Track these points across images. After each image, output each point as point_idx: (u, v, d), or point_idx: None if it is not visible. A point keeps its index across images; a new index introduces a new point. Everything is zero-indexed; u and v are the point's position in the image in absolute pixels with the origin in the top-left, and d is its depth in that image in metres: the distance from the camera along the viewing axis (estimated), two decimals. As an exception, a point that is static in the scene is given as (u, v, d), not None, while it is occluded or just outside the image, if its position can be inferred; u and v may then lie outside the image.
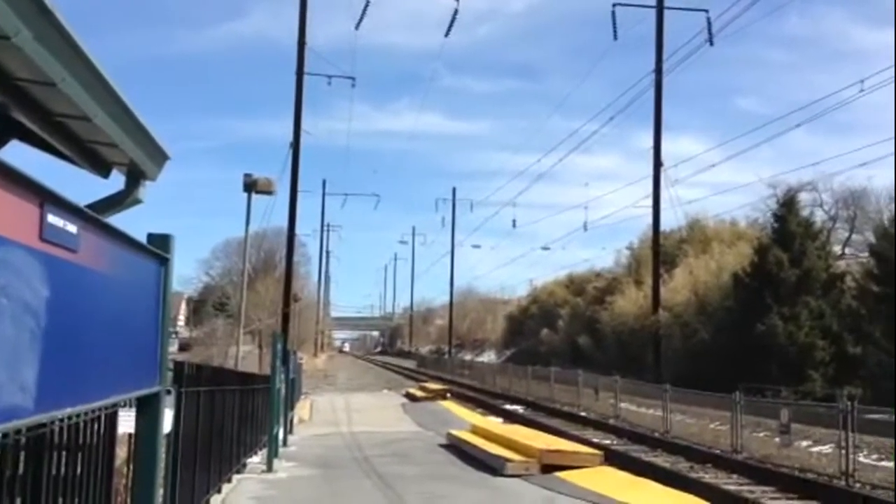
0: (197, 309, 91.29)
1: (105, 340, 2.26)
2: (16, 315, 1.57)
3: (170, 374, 6.39)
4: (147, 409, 2.97)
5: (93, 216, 2.09)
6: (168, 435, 6.18)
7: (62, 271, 1.83)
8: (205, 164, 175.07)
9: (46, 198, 1.72)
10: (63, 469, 3.04)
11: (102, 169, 5.76)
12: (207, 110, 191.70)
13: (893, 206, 32.14)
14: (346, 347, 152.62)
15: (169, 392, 5.90)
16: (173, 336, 78.72)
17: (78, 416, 2.91)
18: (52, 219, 1.74)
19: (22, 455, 2.51)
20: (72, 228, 1.87)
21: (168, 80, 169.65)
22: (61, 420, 2.81)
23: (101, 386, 2.31)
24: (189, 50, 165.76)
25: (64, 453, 3.04)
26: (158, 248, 2.88)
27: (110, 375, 2.38)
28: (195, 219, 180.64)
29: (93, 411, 3.07)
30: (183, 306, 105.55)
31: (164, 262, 2.92)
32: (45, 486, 2.71)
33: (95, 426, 3.21)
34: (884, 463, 14.65)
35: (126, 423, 3.41)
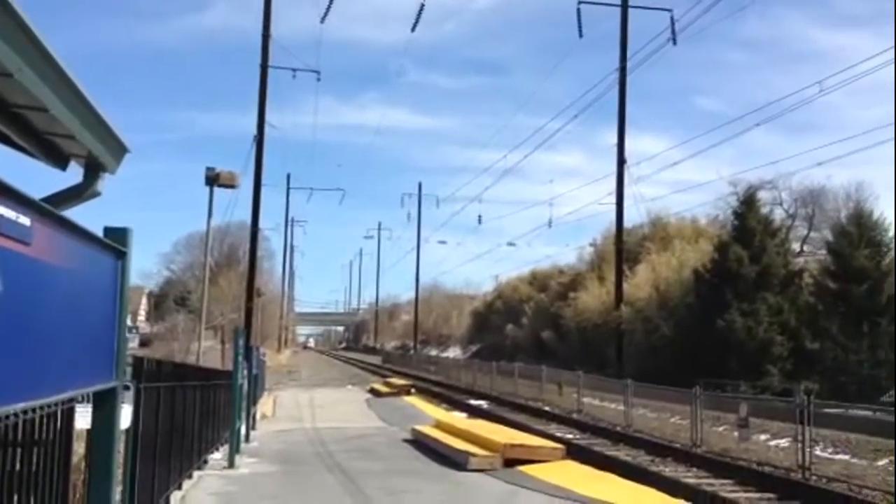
0: (158, 304, 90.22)
1: (59, 335, 2.23)
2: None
3: (128, 370, 6.32)
4: (103, 405, 2.93)
5: (47, 209, 2.06)
6: (127, 431, 6.12)
7: (14, 264, 1.80)
8: (168, 157, 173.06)
9: (-2, 189, 1.69)
10: (18, 466, 3.00)
11: (60, 161, 5.66)
12: (171, 103, 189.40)
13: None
14: (311, 343, 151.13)
15: (127, 388, 5.83)
16: (134, 331, 77.88)
17: (33, 410, 2.87)
18: (2, 210, 1.70)
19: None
20: (25, 221, 1.83)
21: (132, 73, 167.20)
22: (14, 415, 2.77)
23: (55, 381, 2.27)
24: (154, 42, 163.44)
25: (19, 449, 3.00)
26: (115, 241, 2.83)
27: (64, 370, 2.35)
28: (157, 212, 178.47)
29: (49, 406, 3.03)
30: (144, 301, 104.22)
31: (121, 255, 2.88)
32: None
33: (51, 421, 3.17)
34: (839, 456, 14.98)
35: (83, 418, 3.37)
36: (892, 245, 29.38)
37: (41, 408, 2.69)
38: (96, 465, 2.98)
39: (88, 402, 3.02)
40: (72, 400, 3.26)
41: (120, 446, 3.38)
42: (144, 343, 64.68)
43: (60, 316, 2.22)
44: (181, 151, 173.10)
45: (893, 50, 19.59)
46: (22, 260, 1.86)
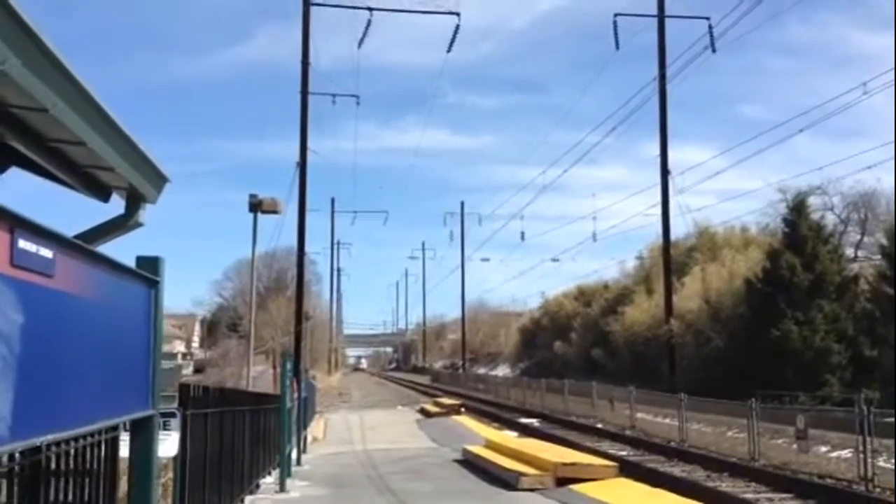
0: (211, 330, 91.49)
1: (88, 366, 2.23)
2: (-16, 342, 1.54)
3: (174, 397, 6.37)
4: (140, 434, 2.94)
5: (70, 240, 2.07)
6: (174, 458, 6.16)
7: (37, 297, 1.81)
8: (216, 187, 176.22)
9: (17, 223, 1.69)
10: (62, 496, 3.01)
11: (101, 193, 5.76)
12: (216, 134, 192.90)
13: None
14: (364, 364, 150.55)
15: (174, 415, 5.87)
16: (188, 357, 78.94)
17: (76, 440, 2.89)
18: (23, 244, 1.71)
19: (13, 483, 2.48)
20: (46, 253, 1.84)
21: (177, 106, 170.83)
22: (56, 446, 2.79)
23: (86, 412, 2.28)
24: (195, 75, 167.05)
25: (63, 479, 3.02)
26: (147, 270, 2.85)
27: (95, 401, 2.35)
28: (208, 240, 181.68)
29: (92, 436, 3.04)
30: (197, 327, 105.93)
31: (153, 284, 2.89)
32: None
33: (95, 451, 3.19)
34: (904, 467, 14.46)
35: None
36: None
37: (83, 437, 2.70)
38: (135, 492, 2.99)
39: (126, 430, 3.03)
40: (115, 429, 3.28)
41: (155, 473, 3.39)
42: (199, 369, 65.64)
43: (89, 347, 2.23)
44: (230, 180, 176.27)
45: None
46: (44, 292, 1.87)
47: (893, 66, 19.67)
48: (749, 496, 12.28)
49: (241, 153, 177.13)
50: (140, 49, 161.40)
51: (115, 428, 3.31)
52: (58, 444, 2.78)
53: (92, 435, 2.97)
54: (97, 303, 2.30)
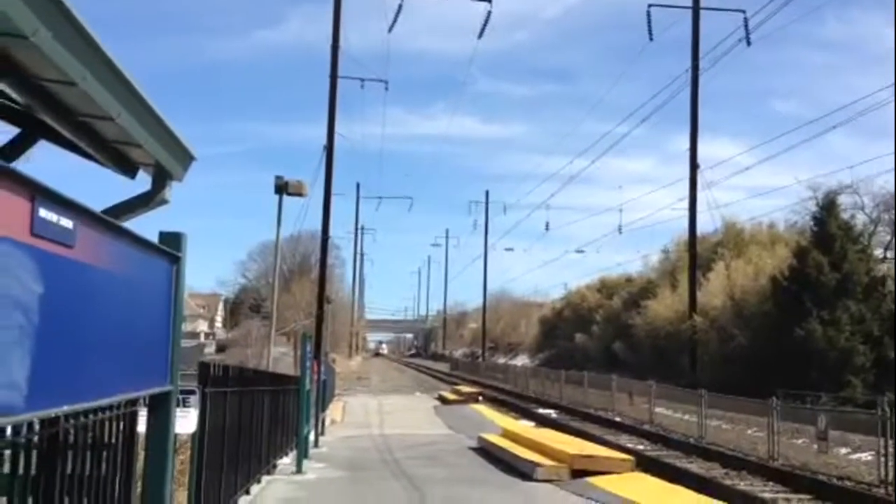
0: (234, 310, 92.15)
1: (107, 338, 2.23)
2: (3, 311, 1.53)
3: (195, 375, 6.41)
4: (158, 409, 2.94)
5: (91, 212, 2.06)
6: (193, 435, 6.21)
7: (57, 267, 1.80)
8: (244, 169, 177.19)
9: (38, 192, 1.68)
10: (80, 468, 3.03)
11: (129, 169, 5.77)
12: (246, 116, 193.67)
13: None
14: (384, 349, 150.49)
15: (193, 392, 5.91)
16: (211, 337, 79.61)
17: (94, 413, 2.90)
18: (44, 213, 1.70)
19: (31, 454, 2.49)
20: (67, 223, 1.83)
21: (208, 88, 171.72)
22: (74, 419, 2.80)
23: (103, 385, 2.28)
24: (227, 57, 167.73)
25: (81, 452, 3.03)
26: (170, 246, 2.84)
27: (113, 374, 2.35)
28: (234, 221, 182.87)
29: (111, 409, 3.05)
30: (220, 307, 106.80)
31: (175, 260, 2.89)
32: (58, 486, 2.70)
33: (113, 425, 3.20)
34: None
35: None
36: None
37: (96, 412, 2.71)
38: (151, 468, 3.00)
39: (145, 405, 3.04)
40: (134, 403, 3.29)
41: (171, 450, 3.39)
42: (221, 349, 66.23)
43: (107, 319, 2.22)
44: (258, 162, 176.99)
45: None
46: (64, 263, 1.86)
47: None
48: (767, 495, 12.18)
49: (270, 136, 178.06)
50: (174, 31, 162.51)
51: (133, 402, 3.33)
52: (76, 416, 2.80)
53: (111, 408, 2.98)
54: (118, 276, 2.29)
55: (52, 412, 1.97)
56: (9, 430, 2.06)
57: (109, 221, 2.25)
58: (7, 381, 1.61)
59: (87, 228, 2.00)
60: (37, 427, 2.69)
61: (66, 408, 2.02)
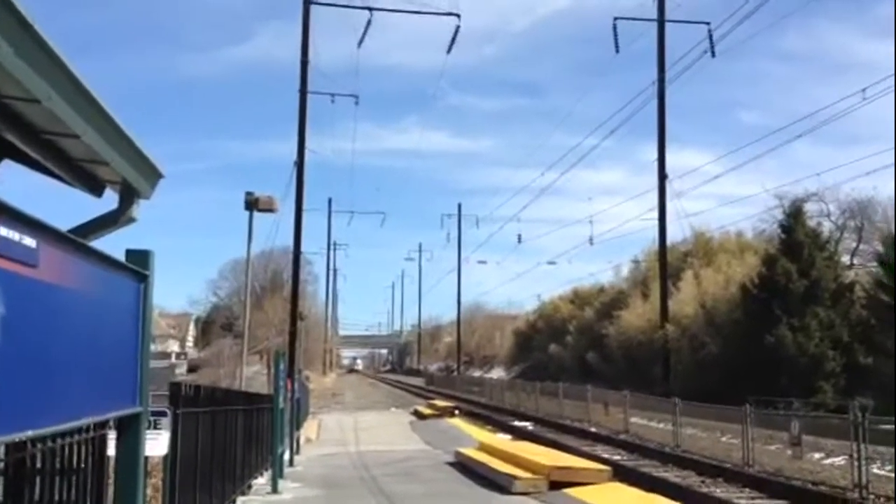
0: (206, 329, 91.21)
1: (72, 359, 2.17)
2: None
3: (166, 396, 6.31)
4: (127, 431, 2.88)
5: (56, 230, 2.01)
6: (165, 457, 6.10)
7: (19, 287, 1.75)
8: (213, 186, 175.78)
9: (-2, 210, 1.64)
10: (48, 494, 2.95)
11: (95, 188, 5.69)
12: (215, 132, 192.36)
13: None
14: (359, 365, 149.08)
15: (164, 414, 5.81)
16: (182, 357, 78.70)
17: (62, 437, 2.83)
18: (4, 231, 1.66)
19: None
20: (30, 242, 1.79)
21: (175, 103, 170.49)
22: (42, 443, 2.73)
23: (69, 408, 2.22)
24: (196, 73, 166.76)
25: (49, 477, 2.95)
26: (137, 264, 2.79)
27: (79, 396, 2.29)
28: (204, 239, 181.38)
29: (79, 433, 2.98)
30: (191, 327, 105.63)
31: (142, 278, 2.84)
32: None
33: (82, 449, 3.12)
34: (898, 474, 14.42)
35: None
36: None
37: (63, 436, 2.64)
38: (121, 492, 2.93)
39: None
40: (103, 426, 3.22)
41: (141, 473, 3.32)
42: (193, 369, 65.43)
43: (73, 339, 2.17)
44: (228, 179, 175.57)
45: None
46: (27, 282, 1.81)
47: (894, 69, 19.78)
48: (743, 502, 12.24)
49: (242, 152, 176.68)
50: (142, 46, 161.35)
51: (102, 426, 3.25)
52: (43, 441, 2.72)
53: (78, 432, 2.91)
54: (83, 295, 2.24)
55: (15, 437, 1.91)
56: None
57: (74, 240, 2.20)
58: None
59: (50, 247, 1.95)
60: (2, 452, 2.62)
61: (30, 433, 1.96)
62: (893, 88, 20.44)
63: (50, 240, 1.94)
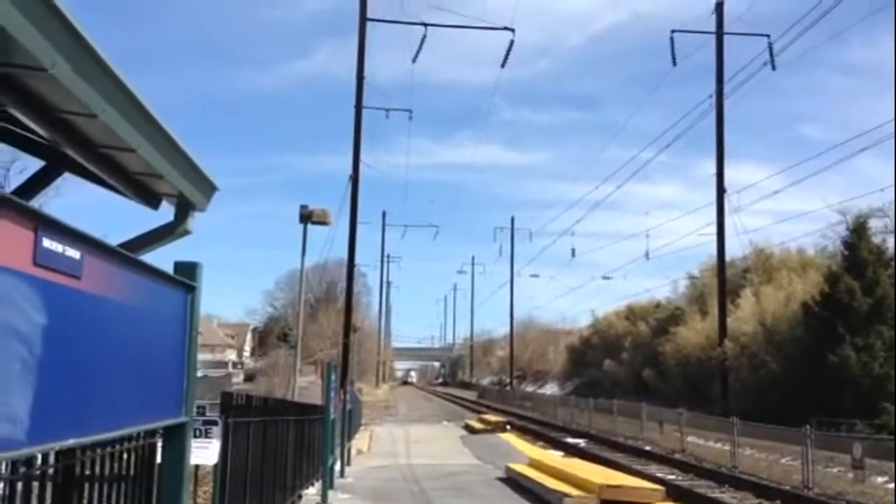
0: (262, 340, 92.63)
1: (116, 369, 2.21)
2: (2, 342, 1.51)
3: (214, 405, 6.39)
4: (172, 441, 2.91)
5: (100, 242, 2.05)
6: (215, 466, 6.17)
7: (62, 298, 1.78)
8: (272, 199, 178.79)
9: (41, 222, 1.67)
10: (97, 501, 3.00)
11: (152, 200, 5.82)
12: (274, 147, 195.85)
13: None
14: (413, 378, 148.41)
15: (216, 423, 5.88)
16: (239, 367, 79.95)
17: (110, 444, 2.87)
18: (47, 243, 1.69)
19: (45, 488, 2.47)
20: (73, 254, 1.82)
21: (236, 119, 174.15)
22: (92, 451, 2.77)
23: (113, 417, 2.25)
24: (255, 89, 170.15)
25: (98, 485, 3.00)
26: (185, 276, 2.82)
27: (124, 405, 2.32)
28: (261, 251, 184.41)
29: (129, 441, 3.02)
30: (249, 337, 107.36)
31: (190, 290, 2.87)
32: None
33: (130, 458, 3.17)
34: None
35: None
36: None
37: (112, 444, 2.68)
38: (165, 499, 2.96)
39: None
40: (152, 435, 3.26)
41: (188, 481, 3.34)
42: (249, 378, 66.42)
43: (117, 350, 2.20)
44: (286, 192, 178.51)
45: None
46: (71, 293, 1.84)
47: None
48: (802, 526, 11.88)
49: (298, 166, 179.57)
50: (203, 62, 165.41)
51: (152, 434, 3.30)
52: (92, 449, 2.77)
53: (127, 441, 2.95)
54: (129, 306, 2.27)
55: (56, 445, 1.94)
56: (18, 463, 2.03)
57: (120, 252, 2.23)
58: (7, 413, 1.59)
59: (95, 259, 1.99)
60: (52, 460, 2.67)
61: (71, 441, 1.99)
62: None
63: (94, 251, 1.98)
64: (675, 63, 36.08)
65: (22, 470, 2.00)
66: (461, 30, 35.46)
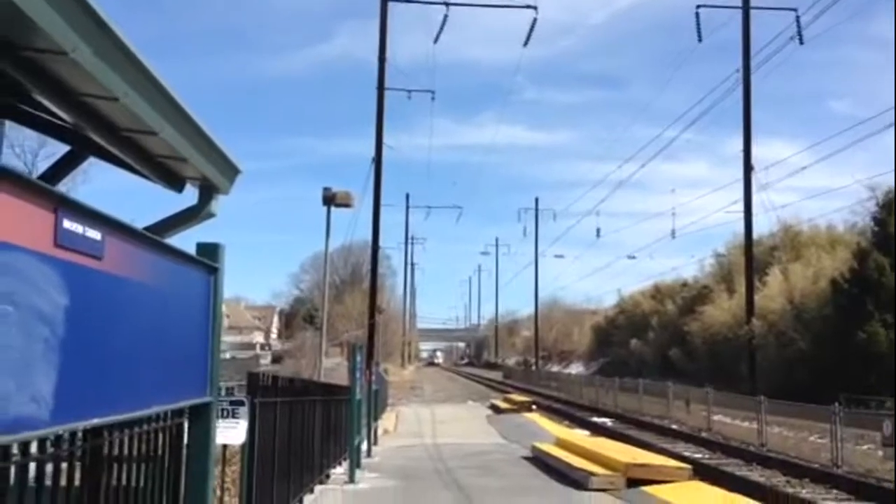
0: (289, 322, 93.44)
1: (140, 350, 2.22)
2: (25, 323, 1.53)
3: (242, 386, 6.44)
4: (198, 420, 2.94)
5: (121, 223, 2.06)
6: (243, 446, 6.23)
7: (84, 278, 1.79)
8: (297, 182, 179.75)
9: (61, 203, 1.68)
10: (125, 480, 3.04)
11: (176, 183, 5.84)
12: (298, 131, 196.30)
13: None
14: (440, 358, 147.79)
15: (242, 403, 5.94)
16: (267, 348, 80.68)
17: (138, 424, 2.90)
18: (68, 224, 1.70)
19: (73, 467, 2.50)
20: (94, 235, 1.83)
21: (260, 104, 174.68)
22: (120, 431, 2.80)
23: (137, 397, 2.27)
24: (278, 73, 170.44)
25: (126, 464, 3.04)
26: (207, 257, 2.84)
27: (147, 386, 2.34)
28: (287, 234, 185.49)
29: (156, 421, 3.06)
30: (275, 319, 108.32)
31: (213, 271, 2.88)
32: (102, 499, 2.70)
33: (158, 437, 3.20)
34: None
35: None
36: None
37: (139, 423, 2.71)
38: (192, 478, 2.99)
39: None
40: (179, 414, 3.30)
41: (213, 460, 3.38)
42: (276, 360, 67.13)
43: (140, 330, 2.22)
44: (310, 175, 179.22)
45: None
46: (92, 274, 1.85)
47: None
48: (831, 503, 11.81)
49: (321, 150, 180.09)
50: (226, 48, 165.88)
51: (179, 414, 3.33)
52: (120, 428, 2.80)
53: (154, 420, 2.98)
54: (151, 287, 2.29)
55: (80, 425, 1.96)
56: (47, 443, 2.06)
57: (141, 233, 2.25)
58: (30, 394, 1.60)
59: (116, 240, 2.00)
60: (79, 440, 2.70)
61: (95, 420, 2.02)
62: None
63: (115, 233, 1.99)
64: (700, 39, 35.63)
65: (50, 451, 2.02)
66: (483, 9, 35.22)
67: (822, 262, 35.98)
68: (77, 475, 2.67)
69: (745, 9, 34.20)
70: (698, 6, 34.95)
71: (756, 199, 34.19)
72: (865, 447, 16.37)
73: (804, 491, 13.09)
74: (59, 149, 5.75)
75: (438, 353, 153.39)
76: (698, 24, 35.13)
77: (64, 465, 2.54)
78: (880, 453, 15.04)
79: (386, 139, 32.07)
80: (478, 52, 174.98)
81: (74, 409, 1.84)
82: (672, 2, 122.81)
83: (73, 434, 2.34)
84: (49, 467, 2.40)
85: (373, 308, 33.23)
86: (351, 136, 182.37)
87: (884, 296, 28.35)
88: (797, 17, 31.99)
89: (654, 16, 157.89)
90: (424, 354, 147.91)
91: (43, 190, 1.65)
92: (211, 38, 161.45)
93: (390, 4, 32.56)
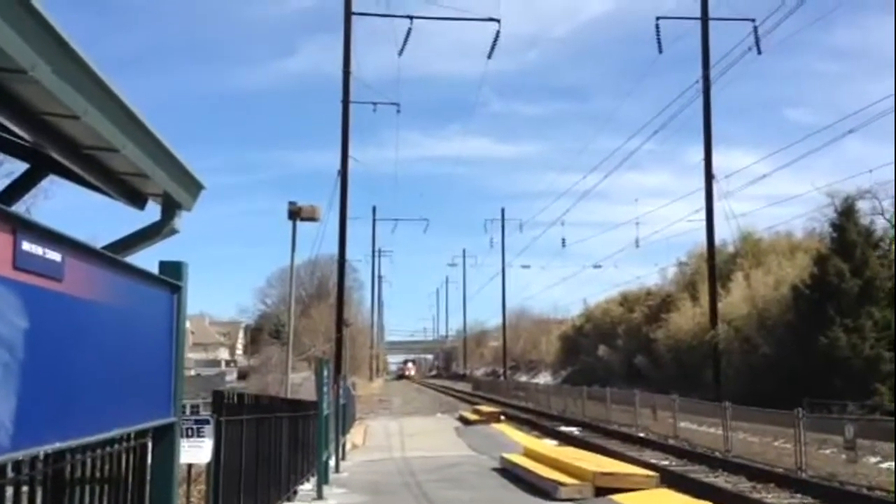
0: (255, 337, 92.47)
1: (101, 371, 2.20)
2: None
3: (201, 404, 6.38)
4: (161, 441, 2.91)
5: (81, 244, 2.04)
6: (208, 464, 6.17)
7: (44, 301, 1.78)
8: (263, 196, 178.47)
9: (20, 225, 1.66)
10: (88, 502, 2.99)
11: (137, 200, 5.78)
12: (264, 144, 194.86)
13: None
14: (411, 370, 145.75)
15: (207, 422, 5.88)
16: (232, 364, 79.74)
17: (100, 447, 2.87)
18: (27, 246, 1.68)
19: (34, 491, 2.47)
20: (54, 256, 1.81)
21: (225, 118, 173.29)
22: (82, 453, 2.77)
23: (99, 419, 2.24)
24: (244, 87, 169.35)
25: (89, 487, 2.99)
26: (170, 275, 2.82)
27: (110, 408, 2.32)
28: (252, 249, 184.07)
29: (119, 443, 3.02)
30: (241, 335, 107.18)
31: (176, 289, 2.86)
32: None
33: (121, 459, 3.16)
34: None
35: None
36: None
37: (101, 446, 2.68)
38: (156, 500, 2.96)
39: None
40: (143, 435, 3.26)
41: (177, 481, 3.34)
42: (242, 376, 66.37)
43: (102, 352, 2.20)
44: (276, 189, 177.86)
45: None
46: (52, 296, 1.84)
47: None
48: (796, 508, 11.96)
49: (288, 163, 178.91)
50: (192, 62, 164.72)
51: (142, 435, 3.30)
52: (82, 452, 2.76)
53: (117, 442, 2.95)
54: (113, 308, 2.27)
55: (40, 450, 1.94)
56: (7, 468, 2.03)
57: (102, 253, 2.23)
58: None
59: (76, 261, 1.98)
60: (40, 463, 2.66)
61: (56, 444, 1.99)
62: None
63: (76, 253, 1.97)
64: (661, 50, 36.14)
65: (11, 475, 1.99)
66: (448, 22, 35.40)
67: (783, 268, 36.57)
68: (38, 499, 2.63)
69: (704, 20, 34.77)
70: (658, 18, 35.54)
71: (718, 207, 34.71)
72: (829, 451, 16.63)
73: (770, 496, 13.26)
74: (16, 166, 5.66)
75: (410, 365, 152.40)
76: (658, 35, 35.67)
77: (25, 489, 2.50)
78: (843, 456, 15.29)
79: (353, 152, 32.06)
80: (444, 66, 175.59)
81: (35, 434, 1.82)
82: (633, 14, 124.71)
83: (33, 458, 2.31)
84: (9, 492, 2.37)
85: (340, 321, 33.07)
86: (318, 149, 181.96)
87: (844, 301, 28.86)
88: (755, 28, 32.60)
89: (616, 28, 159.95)
90: (393, 367, 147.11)
91: (2, 212, 1.63)
92: (176, 50, 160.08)
93: (355, 18, 32.62)
